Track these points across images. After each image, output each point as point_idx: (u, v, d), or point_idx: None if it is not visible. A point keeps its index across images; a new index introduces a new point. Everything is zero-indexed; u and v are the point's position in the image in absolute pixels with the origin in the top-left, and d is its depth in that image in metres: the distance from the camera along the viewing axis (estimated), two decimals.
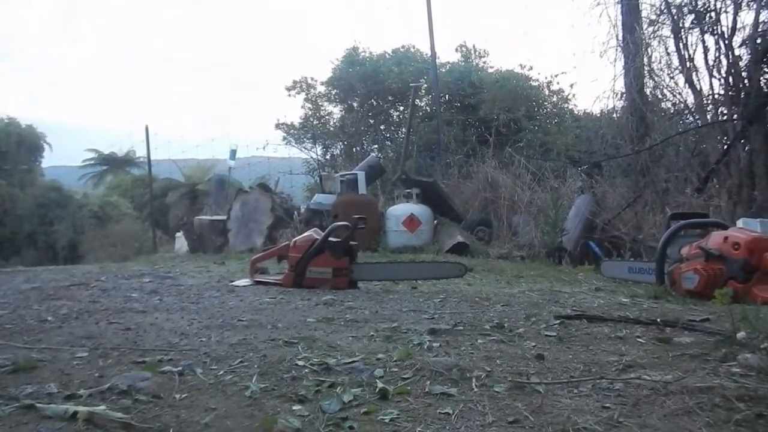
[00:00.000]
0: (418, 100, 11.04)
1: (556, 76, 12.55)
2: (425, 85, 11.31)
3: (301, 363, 1.11)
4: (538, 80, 12.74)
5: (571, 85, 13.84)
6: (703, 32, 4.92)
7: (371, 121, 12.52)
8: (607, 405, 0.90)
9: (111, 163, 26.98)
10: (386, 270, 2.53)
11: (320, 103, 13.16)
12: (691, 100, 5.19)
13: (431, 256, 4.42)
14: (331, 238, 2.24)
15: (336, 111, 13.20)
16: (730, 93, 4.67)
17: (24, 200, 20.76)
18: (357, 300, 1.93)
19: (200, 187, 19.34)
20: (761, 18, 4.50)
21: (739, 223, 2.33)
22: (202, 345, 1.26)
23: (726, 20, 4.71)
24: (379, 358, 1.15)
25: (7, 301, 1.84)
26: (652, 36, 5.64)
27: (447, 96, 12.02)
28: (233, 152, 11.05)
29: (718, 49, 4.72)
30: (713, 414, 0.86)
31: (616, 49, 6.01)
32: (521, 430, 0.83)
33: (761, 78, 4.52)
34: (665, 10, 5.35)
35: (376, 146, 12.69)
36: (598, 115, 7.26)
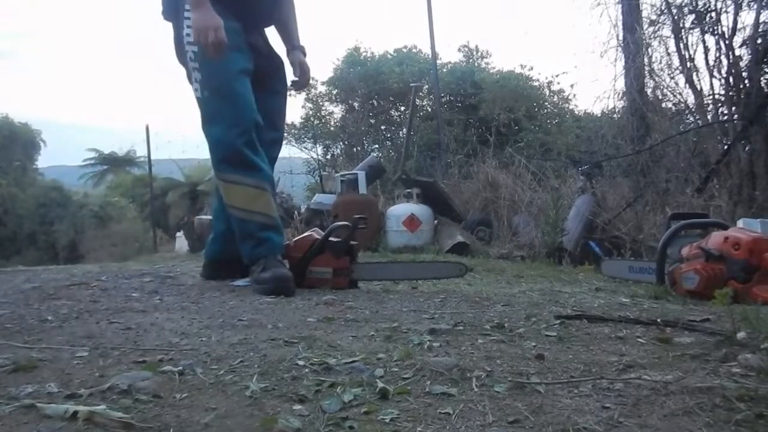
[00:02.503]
0: (419, 100, 11.05)
1: (556, 76, 12.57)
2: (426, 86, 11.31)
3: (301, 363, 1.11)
4: (538, 80, 12.76)
5: (572, 85, 13.86)
6: (703, 32, 4.93)
7: (372, 121, 12.52)
8: (608, 405, 0.90)
9: (111, 163, 27.04)
10: (387, 270, 2.53)
11: (321, 103, 13.16)
12: (691, 100, 5.21)
13: (431, 256, 4.42)
14: (331, 238, 2.23)
15: (337, 111, 13.21)
16: (730, 93, 4.68)
17: (25, 200, 20.80)
18: (357, 300, 1.93)
19: (201, 187, 19.37)
20: (762, 18, 4.51)
21: (740, 223, 2.33)
22: (203, 345, 1.26)
23: (726, 20, 4.72)
24: (380, 358, 1.15)
25: (8, 301, 1.84)
26: (652, 36, 5.65)
27: (448, 96, 12.02)
28: None
29: (719, 49, 4.73)
30: (713, 414, 0.86)
31: (617, 49, 6.02)
32: (521, 430, 0.83)
33: (762, 78, 4.52)
34: (666, 10, 5.36)
35: (377, 146, 12.70)
36: (599, 115, 7.27)
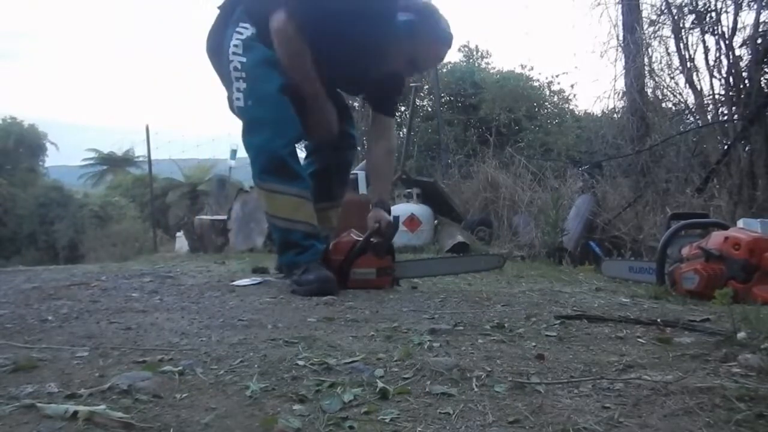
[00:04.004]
0: (419, 101, 11.04)
1: (556, 76, 12.59)
2: (426, 86, 11.31)
3: (301, 363, 1.11)
4: (538, 80, 12.77)
5: (572, 85, 13.89)
6: (703, 32, 4.93)
7: None
8: (608, 405, 0.90)
9: (111, 163, 27.07)
10: (427, 266, 2.54)
11: None
12: (691, 100, 5.21)
13: (431, 255, 4.42)
14: (372, 239, 2.22)
15: None
16: (730, 93, 4.68)
17: (25, 200, 20.79)
18: (357, 300, 1.94)
19: (201, 187, 19.38)
20: (762, 18, 4.51)
21: (740, 223, 2.33)
22: (203, 345, 1.26)
23: (726, 20, 4.73)
24: (380, 358, 1.15)
25: (8, 301, 1.84)
26: (652, 36, 5.66)
27: (448, 96, 12.02)
28: (234, 152, 11.06)
29: (719, 49, 4.74)
30: (713, 414, 0.86)
31: (617, 49, 6.04)
32: (521, 430, 0.83)
33: (762, 78, 4.52)
34: (666, 10, 5.36)
35: None
36: (599, 115, 7.28)
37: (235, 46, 2.22)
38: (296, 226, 2.20)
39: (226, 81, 2.30)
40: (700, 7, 4.96)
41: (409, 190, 5.62)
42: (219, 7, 2.38)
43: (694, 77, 4.99)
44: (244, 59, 2.21)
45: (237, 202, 6.41)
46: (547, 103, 12.83)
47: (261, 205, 2.37)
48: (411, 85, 8.24)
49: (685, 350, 1.23)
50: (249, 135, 2.25)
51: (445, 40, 2.34)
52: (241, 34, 2.22)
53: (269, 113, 2.19)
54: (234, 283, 2.35)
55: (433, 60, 2.48)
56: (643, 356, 1.19)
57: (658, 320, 1.52)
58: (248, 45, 2.21)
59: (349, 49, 2.24)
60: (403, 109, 11.76)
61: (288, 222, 2.20)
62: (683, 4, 5.15)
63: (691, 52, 5.02)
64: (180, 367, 1.06)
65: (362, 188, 5.63)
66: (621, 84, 6.04)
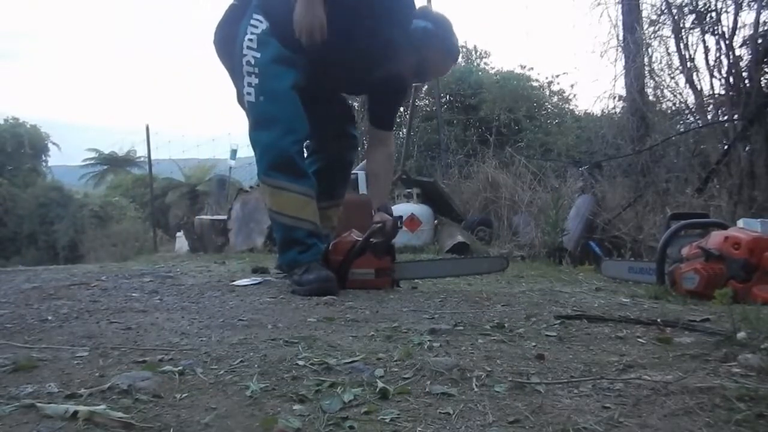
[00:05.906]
0: (419, 101, 11.04)
1: (557, 76, 12.59)
2: (426, 86, 11.31)
3: (301, 362, 1.11)
4: (538, 80, 12.77)
5: (572, 86, 13.90)
6: (703, 32, 4.92)
7: None
8: (608, 405, 0.90)
9: (111, 163, 27.04)
10: (428, 268, 2.52)
11: None
12: (691, 100, 5.21)
13: (432, 255, 4.42)
14: (371, 239, 2.21)
15: None
16: (730, 93, 4.67)
17: (25, 200, 20.77)
18: (357, 300, 1.94)
19: (201, 187, 19.38)
20: (762, 18, 4.51)
21: (740, 223, 2.33)
22: (203, 344, 1.26)
23: (727, 20, 4.72)
24: (380, 358, 1.15)
25: (8, 301, 1.84)
26: (652, 36, 5.65)
27: (448, 96, 12.02)
28: (234, 152, 11.07)
29: (719, 49, 4.73)
30: (713, 414, 0.86)
31: (617, 49, 6.03)
32: (521, 430, 0.83)
33: (762, 78, 4.52)
34: (666, 10, 5.36)
35: None
36: (599, 115, 7.27)
37: (250, 40, 2.20)
38: (300, 224, 2.19)
39: (237, 74, 2.29)
40: (700, 7, 4.95)
41: (409, 190, 5.62)
42: None
43: (694, 77, 4.99)
44: (258, 55, 2.20)
45: (237, 202, 6.41)
46: (547, 103, 12.84)
47: (265, 202, 2.35)
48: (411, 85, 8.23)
49: (685, 350, 1.23)
50: (257, 131, 2.24)
51: (455, 54, 2.40)
52: (256, 27, 2.21)
53: (280, 110, 2.18)
54: (234, 283, 2.36)
55: (440, 71, 2.51)
56: (643, 356, 1.19)
57: (658, 320, 1.52)
58: (263, 40, 2.21)
59: (363, 45, 2.24)
60: (403, 109, 11.77)
61: (293, 219, 2.20)
62: (683, 4, 5.14)
63: (691, 52, 5.01)
64: (180, 367, 1.06)
65: (362, 188, 5.63)
66: (621, 84, 6.05)
